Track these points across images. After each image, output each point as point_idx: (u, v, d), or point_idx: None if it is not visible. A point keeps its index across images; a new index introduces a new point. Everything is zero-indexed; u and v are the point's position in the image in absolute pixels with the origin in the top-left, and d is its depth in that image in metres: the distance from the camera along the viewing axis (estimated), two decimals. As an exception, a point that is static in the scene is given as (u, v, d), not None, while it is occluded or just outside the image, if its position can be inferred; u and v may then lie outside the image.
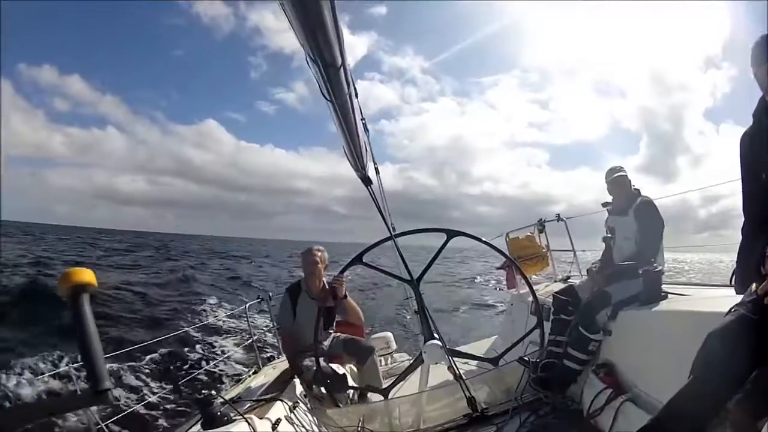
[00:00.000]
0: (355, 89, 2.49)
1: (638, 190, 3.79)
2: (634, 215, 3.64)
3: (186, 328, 7.07)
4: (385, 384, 4.18)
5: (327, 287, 4.33)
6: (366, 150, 2.84)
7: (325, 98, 1.95)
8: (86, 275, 1.02)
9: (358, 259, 4.09)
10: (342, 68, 1.79)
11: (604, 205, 4.00)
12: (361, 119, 2.77)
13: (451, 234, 4.08)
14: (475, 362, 4.43)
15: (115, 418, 3.41)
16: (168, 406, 6.65)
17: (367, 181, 2.98)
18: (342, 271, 4.17)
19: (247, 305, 5.77)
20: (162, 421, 6.39)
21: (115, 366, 8.03)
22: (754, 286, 1.74)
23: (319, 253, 4.40)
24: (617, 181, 3.83)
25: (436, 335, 3.83)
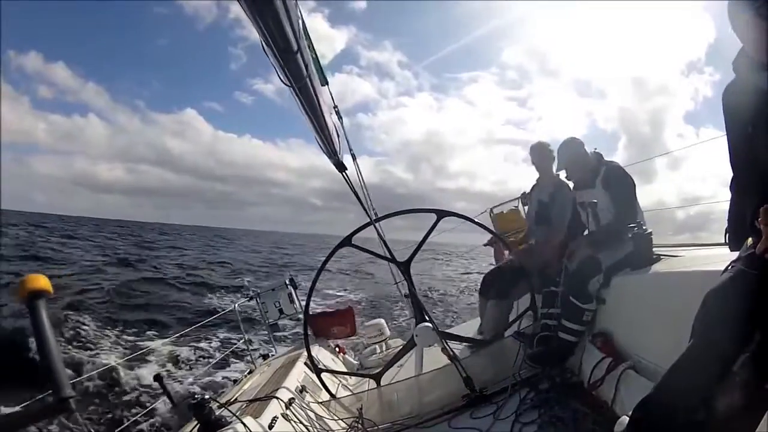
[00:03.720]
0: (323, 75, 2.41)
1: (599, 154, 3.66)
2: (602, 185, 3.53)
3: (178, 333, 6.99)
4: (391, 373, 4.15)
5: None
6: (338, 135, 2.77)
7: (284, 83, 1.90)
8: (41, 281, 1.02)
9: (347, 241, 4.02)
10: (298, 53, 1.74)
11: (568, 177, 3.97)
12: (333, 106, 2.69)
13: (441, 214, 4.02)
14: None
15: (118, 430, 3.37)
16: (161, 413, 6.58)
17: (341, 167, 2.90)
18: (332, 254, 4.11)
19: (237, 304, 5.69)
20: (157, 429, 6.33)
21: (107, 375, 7.95)
22: (750, 240, 1.68)
23: (549, 147, 4.39)
24: (574, 159, 3.73)
25: (426, 317, 3.80)
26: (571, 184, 3.99)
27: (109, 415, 6.98)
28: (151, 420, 6.48)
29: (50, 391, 0.94)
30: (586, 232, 3.80)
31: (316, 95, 2.13)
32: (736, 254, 1.78)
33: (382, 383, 4.07)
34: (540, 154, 4.37)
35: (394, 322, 11.45)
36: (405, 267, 4.01)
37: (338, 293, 18.79)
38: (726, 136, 1.97)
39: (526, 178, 4.40)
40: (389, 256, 4.09)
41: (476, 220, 4.48)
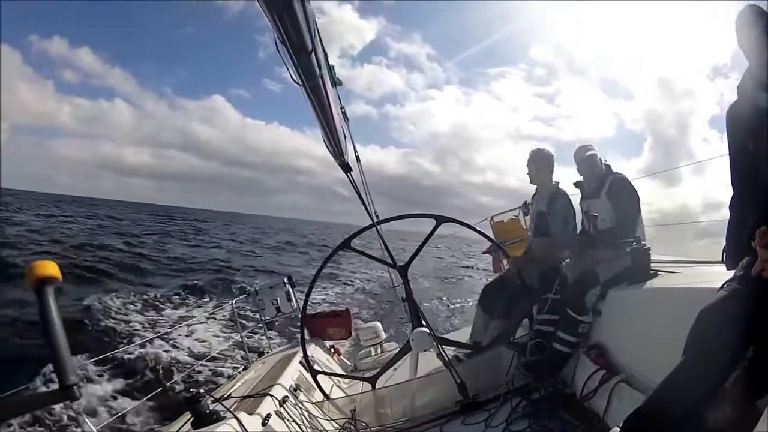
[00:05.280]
0: (333, 77, 2.43)
1: (608, 166, 3.72)
2: (607, 196, 3.58)
3: (173, 327, 6.99)
4: (385, 376, 4.15)
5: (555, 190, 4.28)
6: (345, 137, 2.79)
7: (295, 82, 1.90)
8: (50, 268, 1.02)
9: (346, 244, 4.02)
10: (313, 53, 1.75)
11: (576, 185, 3.97)
12: (340, 107, 2.71)
13: (440, 220, 4.01)
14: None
15: (107, 422, 3.37)
16: (156, 406, 6.57)
17: (346, 168, 2.92)
18: (330, 256, 4.13)
19: (234, 300, 5.69)
20: (151, 422, 6.31)
21: (99, 368, 7.93)
22: (745, 260, 1.70)
23: (546, 153, 4.34)
24: (588, 160, 3.74)
25: (423, 322, 3.81)
26: (577, 197, 4.00)
27: (103, 405, 6.97)
28: (146, 410, 6.48)
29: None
30: None
31: (327, 95, 2.14)
32: (732, 273, 1.80)
33: (379, 386, 4.07)
34: (537, 161, 4.32)
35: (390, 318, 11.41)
36: (403, 271, 3.99)
37: (343, 291, 18.84)
38: (728, 154, 1.99)
39: (553, 176, 4.33)
40: (388, 261, 4.09)
41: (476, 227, 4.47)
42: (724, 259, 2.10)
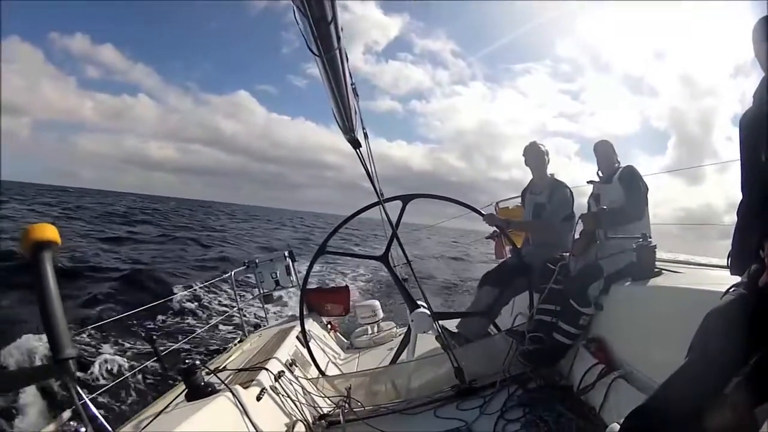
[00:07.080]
0: (344, 51, 2.40)
1: (620, 163, 3.79)
2: (618, 181, 3.63)
3: (170, 296, 6.97)
4: (380, 355, 4.18)
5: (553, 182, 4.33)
6: (355, 112, 2.76)
7: (313, 53, 1.87)
8: (49, 231, 0.96)
9: (322, 250, 4.09)
10: (333, 22, 1.72)
11: (590, 182, 3.96)
12: (351, 84, 2.69)
13: (406, 199, 4.04)
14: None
15: (100, 391, 3.38)
16: (150, 378, 6.59)
17: (355, 143, 2.88)
18: (310, 267, 4.23)
19: (233, 272, 5.67)
20: (144, 393, 6.33)
21: (94, 335, 7.95)
22: (753, 267, 1.68)
23: (544, 147, 4.39)
24: (605, 148, 3.83)
25: (419, 303, 3.80)
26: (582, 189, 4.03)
27: (97, 376, 7.01)
28: (140, 380, 6.50)
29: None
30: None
31: (343, 67, 2.12)
32: (736, 278, 1.79)
33: (374, 365, 4.09)
34: (535, 154, 4.39)
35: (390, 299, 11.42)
36: (384, 260, 4.01)
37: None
38: (740, 160, 1.97)
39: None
40: (368, 255, 4.25)
41: (448, 197, 4.42)
42: (729, 264, 2.09)
